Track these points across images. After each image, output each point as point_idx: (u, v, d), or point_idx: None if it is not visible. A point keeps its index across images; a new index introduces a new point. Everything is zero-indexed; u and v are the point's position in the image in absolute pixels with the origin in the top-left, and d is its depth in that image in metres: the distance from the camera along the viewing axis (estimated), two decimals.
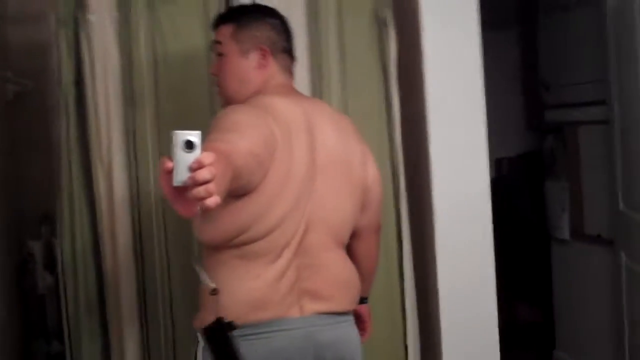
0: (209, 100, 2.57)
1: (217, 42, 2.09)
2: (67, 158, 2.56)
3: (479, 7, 2.71)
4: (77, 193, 2.57)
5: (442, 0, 2.69)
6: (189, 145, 1.30)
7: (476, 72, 2.72)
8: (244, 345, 1.87)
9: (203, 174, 1.27)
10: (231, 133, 1.73)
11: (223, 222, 1.86)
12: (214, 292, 1.89)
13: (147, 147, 2.57)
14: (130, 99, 2.56)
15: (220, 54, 2.08)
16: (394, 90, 2.68)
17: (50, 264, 2.88)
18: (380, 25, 2.66)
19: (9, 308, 2.96)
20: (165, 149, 2.56)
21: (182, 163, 1.29)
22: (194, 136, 1.30)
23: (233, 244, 1.89)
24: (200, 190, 1.27)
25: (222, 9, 2.51)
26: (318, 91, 2.65)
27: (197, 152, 1.30)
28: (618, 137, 3.41)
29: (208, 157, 1.29)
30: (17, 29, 3.29)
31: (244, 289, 1.90)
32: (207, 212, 1.34)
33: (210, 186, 1.28)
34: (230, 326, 1.87)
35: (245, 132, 1.76)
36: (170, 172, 1.29)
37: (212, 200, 1.29)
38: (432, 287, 2.75)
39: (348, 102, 2.67)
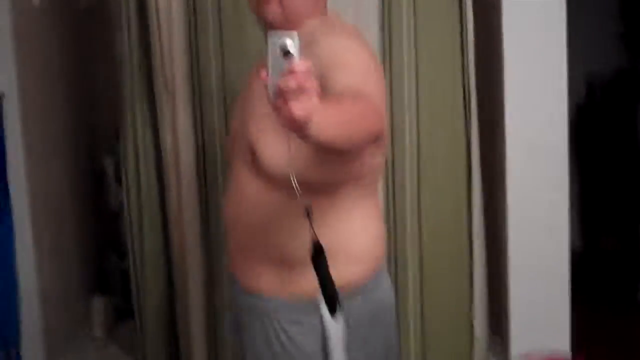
0: None
1: None
2: (129, 74, 2.57)
3: None
4: (139, 110, 2.59)
5: None
6: (285, 49, 1.14)
7: None
8: (380, 294, 1.64)
9: (289, 82, 1.11)
10: (368, 77, 1.51)
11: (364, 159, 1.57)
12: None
13: (210, 60, 2.51)
14: (192, 10, 2.49)
15: None
16: (469, 15, 2.54)
17: None
18: None
19: (83, 224, 3.04)
20: (227, 61, 2.51)
21: (276, 70, 1.14)
22: (290, 39, 1.14)
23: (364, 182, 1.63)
24: (280, 103, 1.12)
25: None
26: (387, 26, 2.54)
27: (293, 57, 1.14)
28: None
29: (302, 65, 1.12)
30: None
31: (380, 227, 1.67)
32: (293, 128, 1.16)
33: (301, 99, 1.12)
34: None
35: (373, 79, 1.54)
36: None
37: (298, 111, 1.11)
38: (502, 219, 2.69)
39: (420, 33, 2.55)
